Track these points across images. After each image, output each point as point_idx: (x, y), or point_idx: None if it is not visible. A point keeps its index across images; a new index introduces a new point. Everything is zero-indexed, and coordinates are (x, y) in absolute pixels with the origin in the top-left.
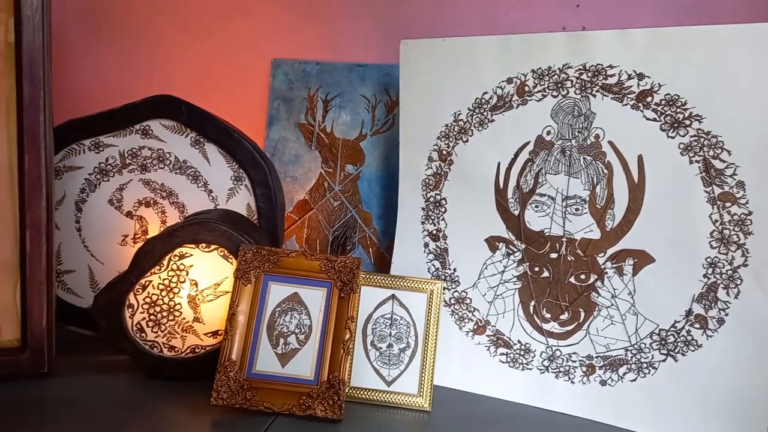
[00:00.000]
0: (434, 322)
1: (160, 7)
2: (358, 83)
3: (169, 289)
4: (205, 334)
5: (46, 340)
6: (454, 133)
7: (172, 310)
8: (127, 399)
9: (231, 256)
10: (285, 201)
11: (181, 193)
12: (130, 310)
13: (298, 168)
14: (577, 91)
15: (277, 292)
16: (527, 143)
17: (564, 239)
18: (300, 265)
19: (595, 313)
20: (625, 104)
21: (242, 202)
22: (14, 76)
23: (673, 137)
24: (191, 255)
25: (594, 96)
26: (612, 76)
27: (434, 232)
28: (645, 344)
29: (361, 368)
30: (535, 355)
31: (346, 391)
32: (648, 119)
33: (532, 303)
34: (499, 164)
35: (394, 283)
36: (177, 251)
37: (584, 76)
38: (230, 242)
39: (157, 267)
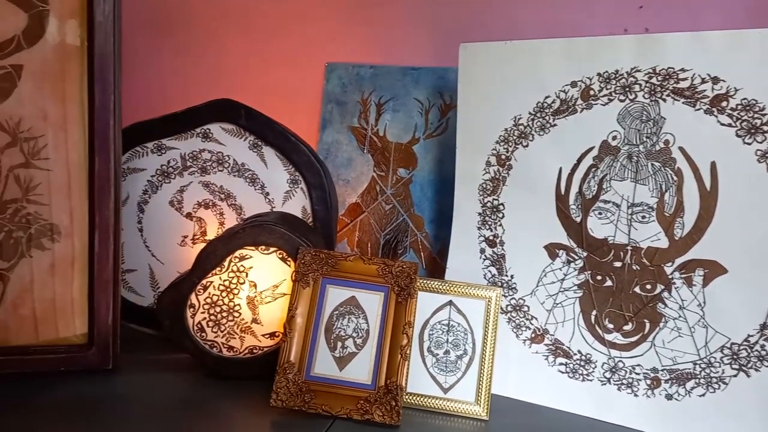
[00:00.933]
0: (492, 330)
1: (220, 13)
2: (411, 86)
3: (229, 290)
4: (263, 335)
5: (111, 338)
6: (514, 137)
7: (231, 310)
8: (189, 397)
9: (289, 259)
10: (338, 204)
11: (239, 196)
12: (192, 310)
13: (351, 171)
14: (646, 95)
15: (335, 295)
16: (591, 148)
17: (629, 247)
18: (357, 269)
19: (661, 324)
20: (698, 109)
21: (298, 205)
22: (86, 79)
23: (749, 143)
24: (251, 257)
25: (664, 100)
26: (684, 79)
27: (491, 237)
28: (715, 358)
29: (417, 374)
30: (596, 366)
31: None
32: (722, 125)
33: (594, 312)
34: (560, 170)
35: (451, 289)
36: (237, 253)
37: (654, 80)
38: (289, 245)
39: (219, 268)
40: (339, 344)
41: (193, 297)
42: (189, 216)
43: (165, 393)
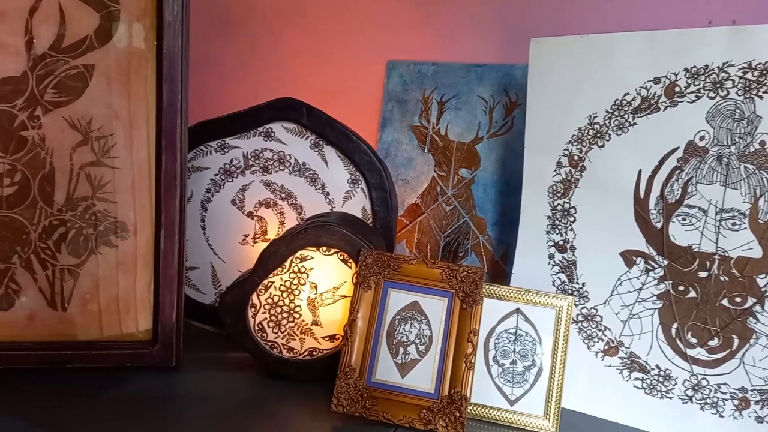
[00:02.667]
0: (563, 341)
1: (284, 12)
2: (475, 84)
3: (290, 291)
4: (323, 338)
5: (175, 335)
6: (588, 137)
7: (292, 311)
8: (249, 398)
9: (350, 261)
10: (398, 205)
11: (299, 195)
12: (253, 309)
13: (411, 171)
14: (740, 92)
15: (397, 299)
16: (675, 149)
17: (716, 257)
18: (421, 273)
19: (752, 341)
20: None
21: (358, 205)
22: (155, 79)
23: None
24: (312, 258)
25: (760, 98)
26: None
27: (561, 242)
28: None
29: (482, 384)
30: (676, 383)
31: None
32: None
33: (675, 325)
34: (640, 172)
35: (519, 296)
36: (299, 254)
37: (749, 76)
38: (350, 246)
39: (280, 269)
40: (401, 350)
41: (254, 297)
42: (250, 215)
43: (226, 392)
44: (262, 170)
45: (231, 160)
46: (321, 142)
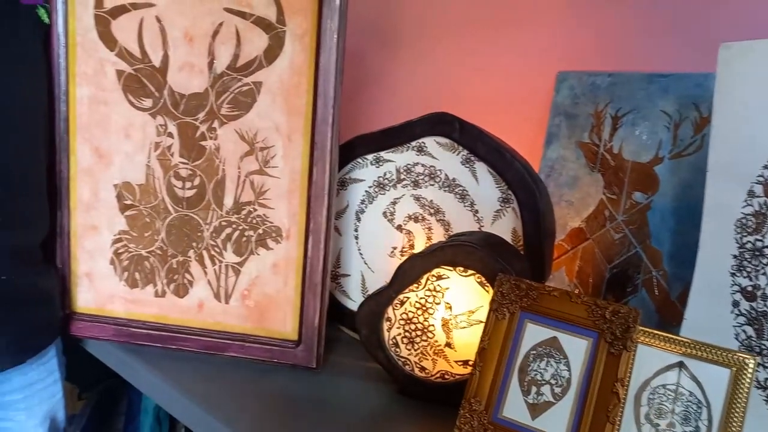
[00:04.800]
0: (740, 409)
1: (444, 22)
2: (658, 96)
3: (424, 308)
4: (456, 362)
5: (316, 338)
6: None
7: (425, 330)
8: (378, 411)
9: (488, 284)
10: (556, 228)
11: (447, 211)
12: (388, 323)
13: (575, 192)
14: None
15: (534, 332)
16: None
17: None
18: (563, 307)
19: None
20: None
21: (508, 226)
22: (312, 94)
23: None
24: (448, 277)
25: None
26: None
27: (750, 288)
28: None
29: None
30: None
31: None
32: None
33: None
34: None
35: (684, 347)
36: (435, 271)
37: None
38: (488, 269)
39: (415, 285)
40: (533, 389)
41: (390, 310)
42: (399, 228)
43: (357, 401)
44: (413, 184)
45: (384, 173)
46: (472, 158)
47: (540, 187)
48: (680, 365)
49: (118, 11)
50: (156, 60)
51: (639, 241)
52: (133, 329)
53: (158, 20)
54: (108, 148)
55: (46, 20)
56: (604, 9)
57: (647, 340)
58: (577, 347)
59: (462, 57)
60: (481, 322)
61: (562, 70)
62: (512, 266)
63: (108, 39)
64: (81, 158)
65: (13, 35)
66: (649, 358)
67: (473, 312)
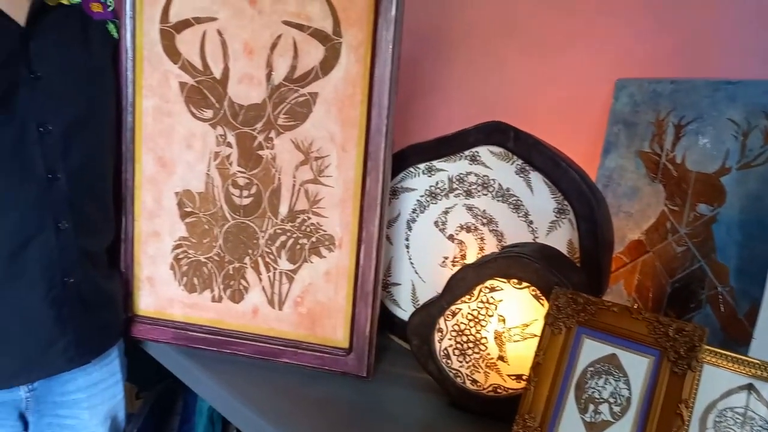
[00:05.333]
0: None
1: (502, 32)
2: (724, 104)
3: (477, 320)
4: (509, 376)
5: (367, 347)
6: None
7: (477, 342)
8: (429, 423)
9: (543, 298)
10: (614, 240)
11: (500, 221)
12: (440, 334)
13: (635, 203)
14: None
15: (591, 348)
16: None
17: None
18: (622, 323)
19: None
20: None
21: (563, 237)
22: (366, 104)
23: None
24: (502, 289)
25: None
26: None
27: None
28: None
29: None
30: None
31: None
32: None
33: None
34: None
35: (754, 368)
36: (488, 283)
37: None
38: (543, 282)
39: (468, 296)
40: (591, 407)
41: (441, 321)
42: (451, 238)
43: (408, 412)
44: (466, 194)
45: (436, 183)
46: (527, 168)
47: (598, 198)
48: (749, 387)
49: (183, 25)
50: (217, 72)
51: (703, 255)
52: (191, 333)
53: (220, 34)
54: (171, 158)
55: (115, 35)
56: (665, 15)
57: (714, 360)
58: (637, 365)
59: (517, 65)
60: (536, 336)
61: (621, 77)
62: (569, 279)
63: (172, 52)
64: (145, 167)
65: (86, 50)
66: (715, 379)
67: (527, 325)
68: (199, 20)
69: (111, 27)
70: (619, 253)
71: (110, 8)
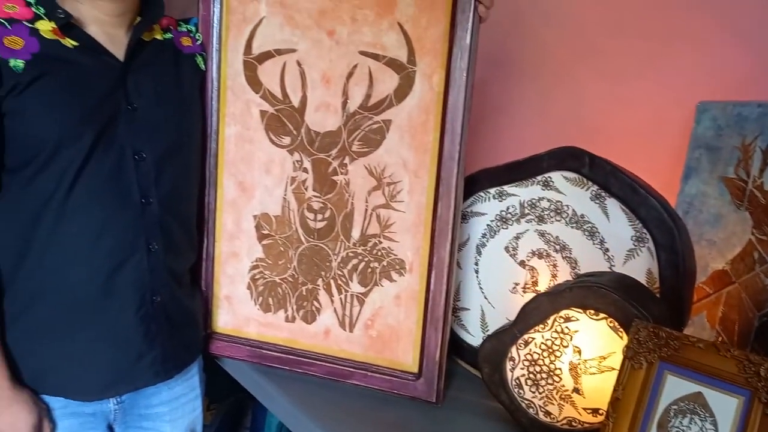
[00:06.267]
0: None
1: (576, 56)
2: None
3: (551, 351)
4: (585, 409)
5: (437, 373)
6: None
7: (551, 373)
8: None
9: (621, 330)
10: (696, 269)
11: (574, 248)
12: (512, 363)
13: (718, 231)
14: None
15: (675, 386)
16: None
17: None
18: (709, 360)
19: None
20: None
21: (642, 267)
22: (439, 131)
23: None
24: (577, 320)
25: None
26: None
27: None
28: None
29: None
30: None
31: None
32: None
33: None
34: None
35: None
36: (563, 313)
37: None
38: (622, 314)
39: (542, 325)
40: None
41: (513, 350)
42: (522, 264)
43: None
44: (538, 219)
45: (507, 208)
46: (603, 194)
47: (679, 226)
48: None
49: (264, 57)
50: (295, 101)
51: None
52: (265, 351)
53: (299, 64)
54: (250, 182)
55: (203, 67)
56: (749, 35)
57: None
58: (725, 406)
59: (592, 87)
60: (614, 369)
61: (702, 99)
62: (648, 311)
63: (254, 82)
64: (226, 191)
65: (177, 82)
66: None
67: (605, 358)
68: (279, 52)
69: (199, 59)
70: (702, 283)
71: (198, 42)
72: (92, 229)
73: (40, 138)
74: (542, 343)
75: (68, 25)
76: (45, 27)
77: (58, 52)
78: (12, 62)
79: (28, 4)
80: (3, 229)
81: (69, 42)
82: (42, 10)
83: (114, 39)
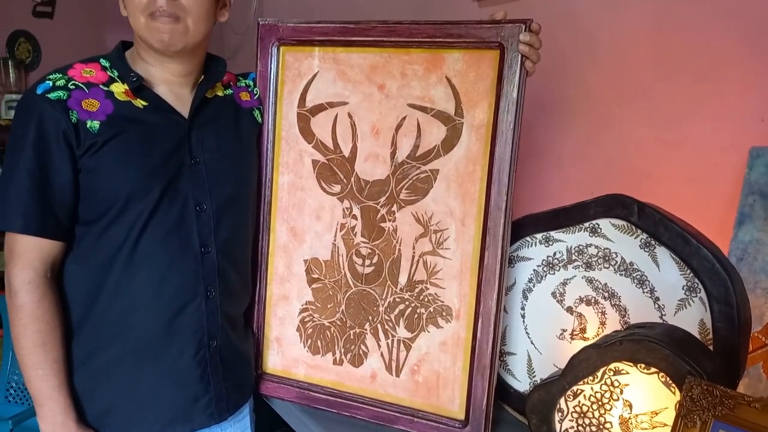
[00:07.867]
0: None
1: (624, 96)
2: None
3: (600, 403)
4: None
5: (484, 421)
6: None
7: (601, 427)
8: None
9: (674, 385)
10: (751, 320)
11: (623, 296)
12: (560, 414)
13: None
14: None
15: None
16: None
17: None
18: (765, 421)
19: None
20: None
21: (694, 318)
22: (486, 181)
23: None
24: (627, 373)
25: None
26: None
27: None
28: None
29: None
30: None
31: None
32: None
33: None
34: None
35: None
36: (613, 366)
37: None
38: (674, 369)
39: (591, 377)
40: None
41: (562, 401)
42: (569, 310)
43: None
44: (585, 266)
45: (554, 253)
46: (653, 242)
47: (733, 277)
48: None
49: (317, 109)
50: (346, 151)
51: None
52: (313, 393)
53: (350, 116)
54: (302, 228)
55: (260, 120)
56: None
57: None
58: None
59: (639, 131)
60: (666, 425)
61: (755, 145)
62: (701, 366)
63: (307, 133)
64: (279, 236)
65: (237, 135)
66: None
67: (657, 413)
68: (332, 104)
69: (257, 113)
70: (757, 332)
71: (256, 96)
72: (156, 276)
73: (114, 193)
74: (591, 395)
75: (140, 86)
76: (119, 89)
77: (130, 112)
78: (89, 123)
79: (104, 68)
80: (75, 278)
81: (140, 102)
82: (116, 73)
83: (180, 97)
